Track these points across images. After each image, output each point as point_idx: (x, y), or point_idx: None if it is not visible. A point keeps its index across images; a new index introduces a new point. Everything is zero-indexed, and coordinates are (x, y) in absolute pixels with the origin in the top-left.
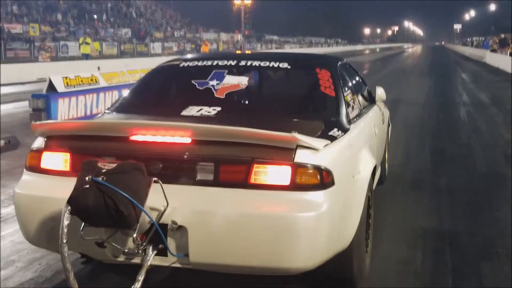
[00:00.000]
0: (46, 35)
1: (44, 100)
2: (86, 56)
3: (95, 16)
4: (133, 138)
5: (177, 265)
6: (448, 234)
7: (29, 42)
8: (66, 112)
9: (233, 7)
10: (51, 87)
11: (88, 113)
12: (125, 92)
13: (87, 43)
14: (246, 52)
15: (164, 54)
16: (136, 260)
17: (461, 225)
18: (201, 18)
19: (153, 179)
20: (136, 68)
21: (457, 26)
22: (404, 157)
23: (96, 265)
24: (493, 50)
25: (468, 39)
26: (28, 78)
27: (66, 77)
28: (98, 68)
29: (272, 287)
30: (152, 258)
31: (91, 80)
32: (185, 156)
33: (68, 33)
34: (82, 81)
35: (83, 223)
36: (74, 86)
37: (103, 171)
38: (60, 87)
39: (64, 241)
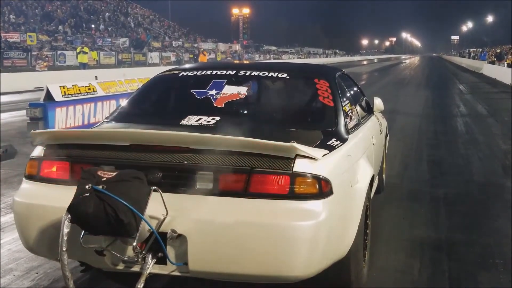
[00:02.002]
0: (44, 44)
1: (41, 109)
2: (83, 65)
3: (93, 26)
4: (133, 147)
5: (176, 273)
6: (446, 243)
7: (27, 51)
8: (64, 121)
9: (232, 17)
10: (49, 96)
11: (86, 122)
12: (124, 101)
13: (84, 52)
14: (244, 62)
15: (162, 64)
16: (135, 268)
17: (459, 235)
18: (199, 28)
19: (153, 187)
20: (133, 78)
21: (455, 38)
22: (402, 168)
23: (94, 274)
24: (492, 62)
25: (466, 50)
26: (25, 87)
27: (63, 86)
28: (96, 77)
29: None
30: (151, 267)
31: (89, 89)
32: (185, 165)
33: (66, 42)
34: (79, 90)
35: (83, 231)
36: (72, 95)
37: (103, 179)
38: (57, 96)
39: (64, 249)
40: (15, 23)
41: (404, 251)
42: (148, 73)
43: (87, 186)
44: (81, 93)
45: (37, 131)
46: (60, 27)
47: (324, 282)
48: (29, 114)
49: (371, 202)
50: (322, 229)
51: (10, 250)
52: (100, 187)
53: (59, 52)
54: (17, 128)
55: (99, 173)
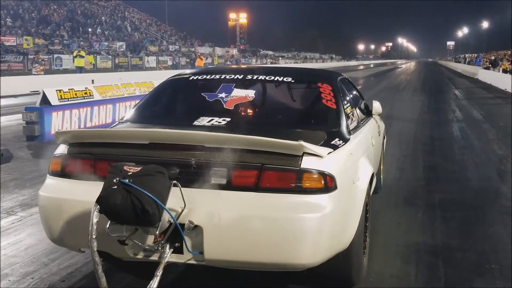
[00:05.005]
0: (40, 48)
1: (38, 113)
2: (80, 69)
3: (90, 29)
4: (151, 145)
5: (192, 262)
6: (441, 249)
7: (23, 54)
8: (60, 125)
9: (229, 21)
10: (45, 100)
11: (82, 126)
12: (136, 104)
13: (81, 56)
14: (242, 66)
15: (158, 68)
16: (154, 257)
17: (455, 241)
18: (196, 32)
19: (173, 182)
20: (130, 82)
21: (450, 43)
22: (398, 173)
23: (109, 266)
24: (487, 68)
25: (461, 56)
26: (21, 91)
27: (59, 90)
28: (92, 81)
29: (275, 287)
30: (169, 255)
31: (85, 93)
32: (201, 162)
33: (62, 46)
34: (76, 94)
35: (109, 221)
36: (68, 99)
37: (129, 173)
38: (53, 100)
39: (94, 236)
40: (11, 26)
41: (400, 257)
42: (145, 77)
43: (114, 180)
44: (77, 97)
45: (61, 130)
46: (53, 28)
47: (328, 271)
48: (25, 118)
49: (371, 198)
50: (327, 221)
51: (6, 255)
52: (127, 180)
53: (55, 55)
54: (13, 132)
55: (125, 168)
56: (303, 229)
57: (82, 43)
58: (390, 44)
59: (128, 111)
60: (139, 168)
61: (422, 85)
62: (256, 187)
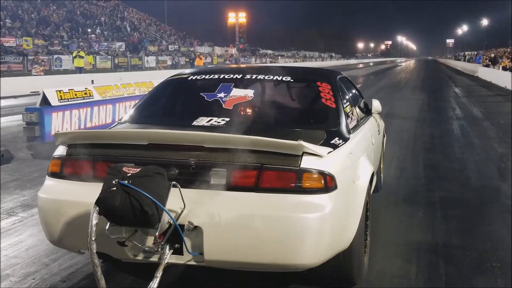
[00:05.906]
0: (40, 49)
1: (38, 114)
2: (79, 70)
3: (89, 30)
4: (150, 146)
5: (192, 263)
6: (442, 247)
7: (23, 55)
8: (60, 126)
9: (227, 21)
10: (45, 100)
11: (82, 127)
12: (136, 104)
13: (80, 57)
14: (241, 65)
15: (158, 68)
16: (154, 258)
17: (455, 239)
18: (195, 32)
19: (172, 183)
20: (130, 82)
21: (450, 41)
22: (398, 172)
23: (108, 267)
24: (487, 65)
25: (461, 53)
26: (21, 92)
27: (59, 91)
28: (92, 82)
29: (275, 287)
30: (169, 257)
31: (85, 93)
32: (200, 163)
33: (62, 46)
34: (75, 94)
35: (109, 223)
36: (68, 100)
37: (128, 175)
38: (53, 100)
39: (93, 238)
40: (11, 27)
41: (400, 255)
42: (145, 77)
43: (113, 181)
44: (77, 97)
45: (60, 132)
46: (53, 29)
47: (329, 271)
48: (25, 119)
49: (371, 197)
50: (327, 220)
51: (7, 256)
52: (126, 182)
53: (55, 56)
54: (13, 133)
55: (124, 169)
56: (303, 229)
57: (81, 43)
58: (390, 42)
59: (127, 111)
60: (138, 169)
61: (422, 83)
62: (256, 187)
